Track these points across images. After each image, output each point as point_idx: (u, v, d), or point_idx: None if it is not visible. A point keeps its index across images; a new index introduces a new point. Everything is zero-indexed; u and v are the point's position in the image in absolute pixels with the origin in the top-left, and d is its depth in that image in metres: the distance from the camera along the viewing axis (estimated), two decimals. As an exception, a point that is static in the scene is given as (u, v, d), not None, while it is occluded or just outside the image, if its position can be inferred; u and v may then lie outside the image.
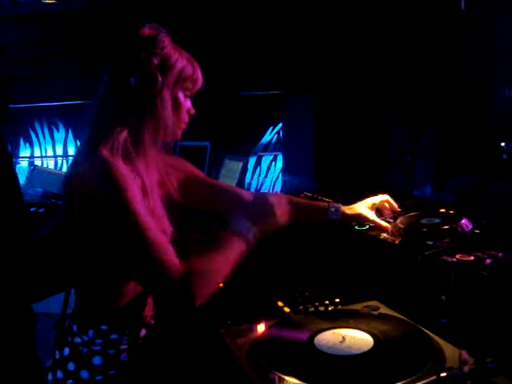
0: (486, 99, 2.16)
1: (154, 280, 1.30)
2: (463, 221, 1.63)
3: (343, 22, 2.93)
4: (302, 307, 1.58)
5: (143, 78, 1.35)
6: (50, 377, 1.43)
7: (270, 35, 3.43)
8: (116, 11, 3.86)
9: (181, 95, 1.44)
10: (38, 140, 4.58)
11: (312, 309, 1.56)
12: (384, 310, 1.55)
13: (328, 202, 1.85)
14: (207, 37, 3.56)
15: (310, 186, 2.95)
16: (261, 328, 1.46)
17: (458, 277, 1.39)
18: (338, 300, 1.58)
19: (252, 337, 1.42)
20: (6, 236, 2.37)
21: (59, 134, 4.57)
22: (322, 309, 1.56)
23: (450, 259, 1.42)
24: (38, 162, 4.48)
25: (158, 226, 1.33)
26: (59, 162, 4.66)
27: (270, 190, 3.95)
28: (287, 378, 1.17)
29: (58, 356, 1.43)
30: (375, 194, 1.90)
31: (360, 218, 1.78)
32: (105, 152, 1.30)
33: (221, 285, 1.83)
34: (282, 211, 1.51)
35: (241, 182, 3.48)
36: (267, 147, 4.02)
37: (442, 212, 1.81)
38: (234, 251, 1.40)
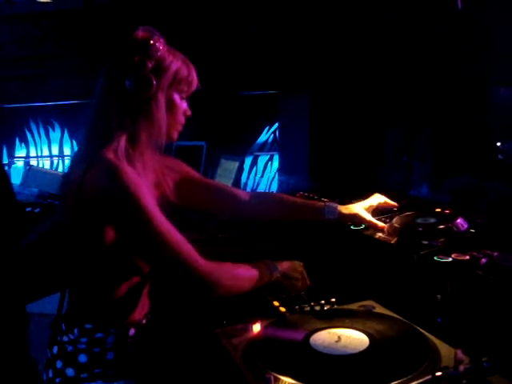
0: (482, 99, 2.17)
1: (177, 271, 1.35)
2: (459, 220, 1.63)
3: (340, 23, 2.93)
4: (297, 307, 1.58)
5: (138, 81, 1.35)
6: (44, 377, 1.44)
7: (267, 36, 3.42)
8: (112, 11, 3.85)
9: (176, 97, 1.45)
10: (34, 140, 4.56)
11: (308, 308, 1.56)
12: (379, 309, 1.55)
13: (324, 201, 1.85)
14: (203, 37, 3.56)
15: (306, 185, 2.95)
16: (256, 328, 1.46)
17: (454, 276, 1.39)
18: (333, 300, 1.58)
19: (247, 337, 1.42)
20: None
21: (55, 134, 4.55)
22: (317, 308, 1.56)
23: (445, 259, 1.42)
24: (33, 162, 4.47)
25: None
26: (55, 161, 4.64)
27: (266, 190, 3.95)
28: (283, 378, 1.17)
29: (49, 355, 1.45)
30: (371, 194, 1.90)
31: (356, 218, 1.78)
32: (110, 155, 1.31)
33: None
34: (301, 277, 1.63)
35: (237, 182, 3.48)
36: (263, 147, 4.02)
37: (438, 212, 1.81)
38: (257, 274, 1.51)
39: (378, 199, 1.86)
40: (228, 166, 3.48)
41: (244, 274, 1.49)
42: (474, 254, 1.41)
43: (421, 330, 1.35)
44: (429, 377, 1.08)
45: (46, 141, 4.57)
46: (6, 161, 4.47)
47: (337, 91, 2.96)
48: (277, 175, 3.79)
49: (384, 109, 2.78)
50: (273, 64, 3.39)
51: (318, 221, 1.79)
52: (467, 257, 1.41)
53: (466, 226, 1.63)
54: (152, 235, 1.30)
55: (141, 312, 1.50)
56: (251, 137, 4.00)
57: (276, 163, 3.86)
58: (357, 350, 1.26)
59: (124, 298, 1.42)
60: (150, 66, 1.36)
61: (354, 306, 1.57)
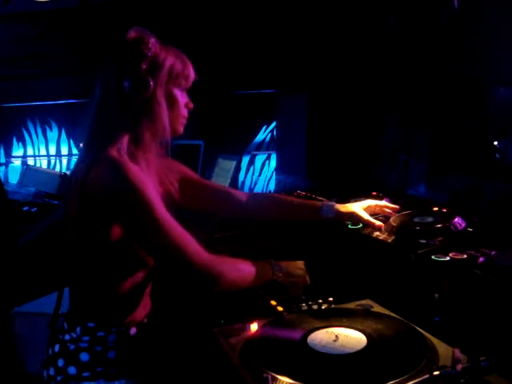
0: (479, 99, 2.17)
1: (181, 264, 1.37)
2: (456, 219, 1.63)
3: (337, 21, 2.93)
4: (295, 306, 1.58)
5: (135, 83, 1.36)
6: (44, 374, 1.44)
7: (264, 35, 3.42)
8: (109, 10, 3.84)
9: (176, 92, 1.45)
10: (31, 139, 4.56)
11: (305, 308, 1.56)
12: (377, 308, 1.55)
13: (322, 200, 1.85)
14: (201, 36, 3.55)
15: (303, 184, 2.95)
16: (254, 327, 1.46)
17: (451, 275, 1.39)
18: (331, 299, 1.58)
19: (245, 336, 1.42)
20: None
21: (52, 134, 4.55)
22: (315, 307, 1.56)
23: (443, 258, 1.42)
24: (30, 162, 4.46)
25: None
26: (52, 161, 4.64)
27: (264, 189, 3.94)
28: (280, 378, 1.17)
29: (50, 353, 1.45)
30: (369, 193, 1.89)
31: (354, 217, 1.78)
32: (113, 153, 1.33)
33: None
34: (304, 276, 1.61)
35: (234, 181, 3.48)
36: (261, 146, 4.02)
37: (435, 210, 1.81)
38: (261, 272, 1.52)
39: (376, 201, 1.86)
40: (225, 166, 3.48)
41: (248, 269, 1.49)
42: (472, 252, 1.41)
43: (418, 329, 1.35)
44: (426, 376, 1.08)
45: (44, 140, 4.57)
46: (3, 160, 4.46)
47: (334, 90, 2.95)
48: (274, 174, 3.79)
49: (381, 108, 2.78)
50: (270, 63, 3.39)
51: (315, 220, 1.79)
52: (465, 256, 1.41)
53: (463, 224, 1.63)
54: (156, 229, 1.31)
55: (143, 311, 1.50)
56: (249, 136, 3.99)
57: (273, 162, 3.86)
58: (354, 349, 1.26)
59: (127, 296, 1.43)
60: (144, 66, 1.36)
61: (352, 305, 1.57)
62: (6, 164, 4.43)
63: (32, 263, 2.79)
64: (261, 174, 4.02)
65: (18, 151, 4.53)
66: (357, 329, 1.36)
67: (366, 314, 1.50)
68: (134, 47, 1.37)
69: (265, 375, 1.15)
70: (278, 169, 3.50)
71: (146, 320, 1.51)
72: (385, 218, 1.81)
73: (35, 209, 3.37)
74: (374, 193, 2.11)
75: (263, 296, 1.72)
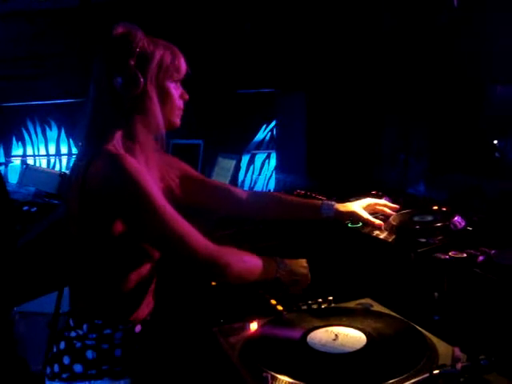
0: (478, 97, 2.16)
1: (186, 254, 1.36)
2: (456, 218, 1.63)
3: (336, 21, 2.93)
4: (294, 305, 1.58)
5: (125, 80, 1.36)
6: (48, 371, 1.43)
7: (263, 34, 3.42)
8: (108, 10, 3.84)
9: (169, 84, 1.44)
10: (31, 139, 4.55)
11: (305, 307, 1.56)
12: (377, 307, 1.55)
13: (321, 199, 1.84)
14: (200, 36, 3.55)
15: (303, 183, 2.95)
16: (254, 326, 1.46)
17: (451, 274, 1.39)
18: (331, 298, 1.57)
19: (245, 335, 1.42)
20: None
21: (52, 133, 4.54)
22: (315, 307, 1.55)
23: (442, 256, 1.42)
24: (30, 161, 4.46)
25: None
26: (52, 160, 4.63)
27: (264, 188, 3.95)
28: (280, 377, 1.17)
29: (55, 350, 1.44)
30: (369, 191, 1.89)
31: (353, 216, 1.78)
32: (110, 148, 1.33)
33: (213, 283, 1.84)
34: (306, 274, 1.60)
35: (234, 180, 3.48)
36: (261, 145, 4.02)
37: (435, 209, 1.81)
38: (265, 266, 1.50)
39: (376, 200, 1.86)
40: (225, 165, 3.48)
41: (254, 262, 1.49)
42: (472, 251, 1.41)
43: (418, 327, 1.35)
44: (426, 375, 1.08)
45: (43, 140, 4.56)
46: (2, 160, 4.46)
47: (334, 89, 2.95)
48: (274, 173, 3.79)
49: (381, 107, 2.78)
50: (270, 62, 3.39)
51: (315, 219, 1.79)
52: (464, 254, 1.40)
53: (463, 223, 1.62)
54: (158, 220, 1.31)
55: (146, 309, 1.50)
56: (248, 135, 3.99)
57: (273, 161, 3.86)
58: (354, 348, 1.26)
59: (132, 293, 1.43)
60: (132, 62, 1.36)
61: (352, 304, 1.57)
62: (6, 164, 4.42)
63: (32, 263, 2.79)
64: (260, 173, 4.02)
65: (17, 151, 4.52)
66: (356, 328, 1.36)
67: (366, 312, 1.50)
68: (122, 44, 1.37)
69: (264, 374, 1.15)
70: (278, 168, 3.50)
71: (149, 318, 1.52)
72: (384, 217, 1.81)
73: (35, 208, 3.37)
74: (374, 192, 2.11)
75: (263, 295, 1.72)
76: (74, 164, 1.45)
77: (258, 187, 3.98)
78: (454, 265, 1.39)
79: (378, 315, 1.46)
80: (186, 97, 1.50)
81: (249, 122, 3.97)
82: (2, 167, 4.38)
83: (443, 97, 2.30)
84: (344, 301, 1.59)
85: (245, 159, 4.00)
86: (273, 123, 3.86)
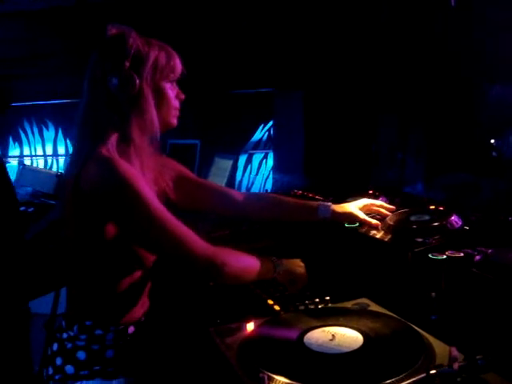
0: (476, 97, 2.16)
1: (182, 256, 1.36)
2: (453, 217, 1.63)
3: (333, 20, 2.93)
4: (291, 305, 1.57)
5: (120, 81, 1.35)
6: (44, 373, 1.44)
7: (260, 33, 3.42)
8: (105, 10, 3.83)
9: (164, 85, 1.43)
10: (28, 139, 4.54)
11: (302, 307, 1.55)
12: (374, 307, 1.54)
13: (318, 200, 1.84)
14: (197, 35, 3.55)
15: (300, 183, 2.95)
16: (250, 326, 1.45)
17: (448, 273, 1.39)
18: (327, 298, 1.57)
19: (242, 335, 1.41)
20: (2, 238, 2.39)
21: (49, 133, 4.54)
22: (311, 307, 1.55)
23: (439, 256, 1.42)
24: (27, 162, 4.45)
25: None
26: (49, 161, 4.63)
27: (261, 188, 3.94)
28: (277, 377, 1.16)
29: (49, 352, 1.45)
30: (366, 191, 1.89)
31: (350, 217, 1.78)
32: (103, 151, 1.32)
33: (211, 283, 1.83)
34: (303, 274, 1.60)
35: (231, 181, 3.48)
36: (258, 145, 4.01)
37: (432, 209, 1.81)
38: (262, 265, 1.50)
39: (372, 200, 1.85)
40: (222, 165, 3.48)
41: (251, 263, 1.49)
42: (469, 251, 1.41)
43: (415, 327, 1.35)
44: (423, 375, 1.08)
45: (40, 140, 4.56)
46: (-1, 160, 4.44)
47: (331, 89, 2.95)
48: (271, 173, 3.79)
49: (378, 106, 2.78)
50: (266, 62, 3.39)
51: (312, 220, 1.79)
52: (461, 254, 1.40)
53: (460, 223, 1.62)
54: (152, 222, 1.31)
55: (140, 310, 1.50)
56: (245, 135, 3.99)
57: (270, 161, 3.86)
58: (351, 349, 1.26)
59: (125, 295, 1.43)
60: (127, 64, 1.35)
61: (349, 304, 1.57)
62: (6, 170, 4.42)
63: (29, 263, 2.78)
64: (258, 173, 4.02)
65: (14, 151, 4.52)
66: (353, 328, 1.35)
67: (363, 312, 1.49)
68: (116, 45, 1.37)
69: (261, 375, 1.14)
70: (275, 168, 3.50)
71: (143, 319, 1.51)
72: (381, 217, 1.81)
73: (32, 209, 3.37)
74: (371, 191, 2.11)
75: (260, 295, 1.72)
76: (68, 165, 1.44)
77: (256, 187, 3.98)
78: (451, 264, 1.38)
79: (375, 315, 1.46)
80: (182, 96, 1.49)
81: (246, 122, 3.96)
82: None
83: (440, 96, 2.30)
84: (341, 301, 1.59)
85: (242, 159, 3.99)
86: (270, 123, 3.85)
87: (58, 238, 1.52)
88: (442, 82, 2.28)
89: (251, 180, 4.03)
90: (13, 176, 4.06)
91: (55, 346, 1.43)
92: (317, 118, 2.99)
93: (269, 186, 3.86)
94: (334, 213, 1.75)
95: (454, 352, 1.09)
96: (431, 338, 1.30)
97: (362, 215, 1.77)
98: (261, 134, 3.98)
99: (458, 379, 1.06)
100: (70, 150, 4.38)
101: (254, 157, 4.02)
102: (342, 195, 2.04)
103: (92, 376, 1.38)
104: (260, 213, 1.84)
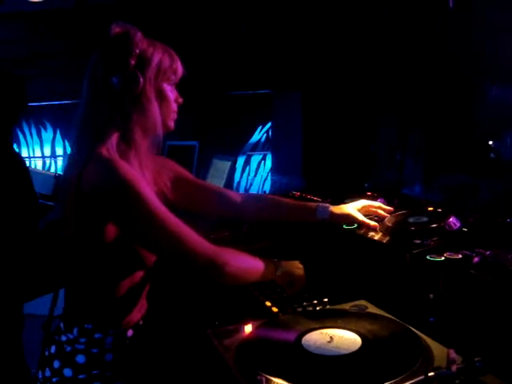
0: (475, 98, 2.16)
1: (183, 255, 1.35)
2: (451, 219, 1.63)
3: (331, 21, 2.93)
4: (289, 307, 1.57)
5: (125, 79, 1.35)
6: (40, 375, 1.42)
7: (259, 35, 3.42)
8: (104, 11, 3.83)
9: (165, 87, 1.43)
10: (26, 140, 4.54)
11: (300, 309, 1.55)
12: (372, 309, 1.54)
13: (317, 202, 1.84)
14: (195, 37, 3.55)
15: (299, 185, 2.95)
16: (248, 328, 1.45)
17: (446, 275, 1.38)
18: (326, 300, 1.57)
19: (239, 337, 1.41)
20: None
21: (47, 135, 4.53)
22: (310, 309, 1.55)
23: (438, 258, 1.42)
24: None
25: None
26: (47, 162, 4.62)
27: (259, 190, 3.94)
28: (274, 380, 1.16)
29: (46, 354, 1.43)
30: (364, 193, 1.89)
31: (349, 218, 1.77)
32: (103, 152, 1.32)
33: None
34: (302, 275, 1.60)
35: (229, 182, 3.47)
36: (256, 147, 4.02)
37: (430, 210, 1.80)
38: (262, 266, 1.49)
39: (371, 201, 1.85)
40: (220, 166, 3.48)
41: (252, 263, 1.48)
42: (467, 252, 1.41)
43: (413, 329, 1.35)
44: (421, 377, 1.07)
45: (38, 141, 4.55)
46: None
47: (329, 90, 2.95)
48: (270, 175, 3.79)
49: (376, 107, 2.78)
50: (265, 63, 3.39)
51: (310, 222, 1.78)
52: (460, 256, 1.40)
53: (458, 224, 1.62)
54: (152, 222, 1.30)
55: (139, 313, 1.49)
56: (244, 136, 3.99)
57: (269, 163, 3.86)
58: (349, 351, 1.25)
59: (124, 297, 1.42)
60: (133, 62, 1.35)
61: (347, 306, 1.56)
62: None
63: (29, 264, 2.78)
64: (256, 174, 4.02)
65: (12, 152, 4.50)
66: (351, 330, 1.35)
67: (361, 314, 1.49)
68: (121, 43, 1.36)
69: (259, 377, 1.14)
70: (274, 169, 3.50)
71: (141, 322, 1.50)
72: (379, 219, 1.80)
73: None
74: (369, 193, 2.11)
75: (258, 297, 1.71)
76: (67, 166, 1.44)
77: (254, 188, 3.98)
78: (449, 266, 1.38)
79: (373, 317, 1.46)
80: (181, 100, 1.49)
81: (244, 124, 3.97)
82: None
83: (438, 97, 2.30)
84: (339, 302, 1.59)
85: (240, 160, 3.99)
86: (268, 124, 3.86)
87: (58, 239, 1.51)
88: (441, 82, 2.28)
89: (249, 181, 4.03)
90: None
91: (53, 349, 1.41)
92: (315, 119, 2.99)
93: (267, 187, 3.86)
94: (333, 214, 1.75)
95: (453, 354, 1.09)
96: (429, 340, 1.30)
97: (360, 216, 1.76)
98: (259, 135, 3.98)
99: (457, 381, 1.05)
100: (69, 151, 4.37)
101: (253, 158, 4.03)
102: (340, 196, 2.04)
103: (90, 380, 1.37)
104: (258, 214, 1.83)
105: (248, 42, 3.46)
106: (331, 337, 1.33)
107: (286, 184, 3.18)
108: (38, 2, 3.87)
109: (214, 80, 3.64)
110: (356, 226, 1.81)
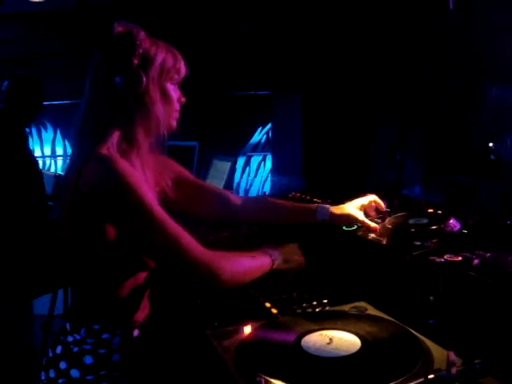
0: (475, 99, 2.16)
1: (177, 260, 1.34)
2: (451, 221, 1.62)
3: (331, 22, 2.93)
4: (289, 308, 1.57)
5: (127, 79, 1.34)
6: (43, 376, 1.41)
7: (259, 36, 3.42)
8: (104, 12, 3.83)
9: (168, 86, 1.43)
10: (26, 140, 4.53)
11: (299, 310, 1.55)
12: (371, 310, 1.54)
13: (316, 202, 1.84)
14: (195, 37, 3.55)
15: (298, 185, 2.94)
16: (247, 329, 1.45)
17: (446, 277, 1.38)
18: (325, 301, 1.57)
19: (239, 338, 1.41)
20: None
21: (47, 134, 4.54)
22: (309, 310, 1.55)
23: (438, 259, 1.42)
24: (25, 163, 4.43)
25: None
26: (47, 162, 4.62)
27: (259, 190, 3.94)
28: (274, 381, 1.15)
29: (50, 355, 1.42)
30: (364, 193, 1.88)
31: (349, 219, 1.77)
32: (104, 151, 1.31)
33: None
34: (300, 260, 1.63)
35: (229, 183, 3.47)
36: (256, 147, 4.02)
37: (430, 212, 1.80)
38: (260, 261, 1.51)
39: (368, 198, 1.84)
40: (220, 167, 3.48)
41: (247, 263, 1.47)
42: (467, 254, 1.41)
43: (413, 331, 1.34)
44: (421, 379, 1.07)
45: (39, 141, 4.56)
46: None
47: (329, 91, 2.95)
48: (269, 175, 3.79)
49: (376, 108, 2.77)
50: (265, 64, 3.39)
51: (310, 223, 1.78)
52: (460, 258, 1.40)
53: (458, 226, 1.62)
54: (149, 224, 1.29)
55: (143, 313, 1.48)
56: (244, 137, 3.99)
57: (269, 163, 3.86)
58: (348, 352, 1.25)
59: (129, 297, 1.41)
60: (136, 61, 1.34)
61: (346, 308, 1.56)
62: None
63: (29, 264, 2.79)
64: (256, 175, 4.02)
65: (12, 152, 4.50)
66: (351, 331, 1.35)
67: (361, 316, 1.49)
68: (124, 42, 1.36)
69: (258, 378, 1.14)
70: (274, 170, 3.50)
71: (146, 322, 1.50)
72: (379, 220, 1.80)
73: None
74: (369, 194, 2.10)
75: (257, 298, 1.71)
76: (68, 166, 1.44)
77: (254, 189, 3.98)
78: (449, 268, 1.38)
79: (373, 319, 1.45)
80: (184, 99, 1.49)
81: (244, 124, 3.97)
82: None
83: (439, 98, 2.30)
84: (339, 304, 1.58)
85: (240, 161, 3.99)
86: (268, 125, 3.86)
87: (57, 239, 1.51)
88: (440, 84, 2.28)
89: (249, 182, 4.03)
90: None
91: (59, 349, 1.40)
92: (315, 120, 2.99)
93: (267, 188, 3.86)
94: (333, 215, 1.74)
95: (452, 356, 1.08)
96: (429, 342, 1.29)
97: (360, 217, 1.76)
98: (259, 136, 3.98)
99: (456, 384, 1.05)
100: (69, 151, 4.38)
101: (253, 159, 4.03)
102: (340, 197, 2.04)
103: (98, 381, 1.36)
104: (257, 216, 1.83)
105: (248, 43, 3.46)
106: (331, 338, 1.32)
107: (285, 185, 3.18)
108: (39, 3, 3.87)
109: (214, 80, 3.64)
110: (356, 227, 1.80)
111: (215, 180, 3.40)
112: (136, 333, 1.44)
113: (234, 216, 1.81)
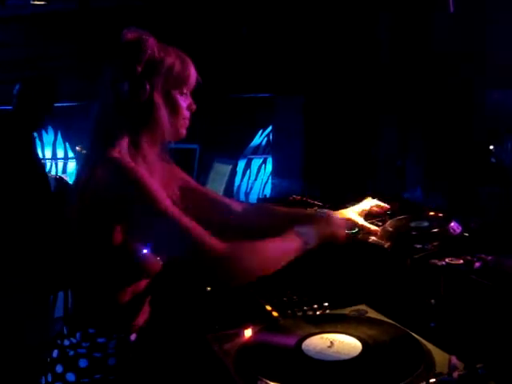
0: (474, 103, 2.16)
1: (194, 256, 1.28)
2: (452, 224, 1.62)
3: (333, 26, 2.93)
4: (290, 311, 1.56)
5: (131, 87, 1.34)
6: (43, 381, 1.41)
7: (260, 38, 3.42)
8: (107, 14, 3.84)
9: (176, 94, 1.42)
10: (27, 142, 4.53)
11: (300, 313, 1.54)
12: (372, 314, 1.53)
13: (317, 206, 1.83)
14: (197, 40, 3.55)
15: (299, 188, 2.94)
16: (248, 333, 1.44)
17: (447, 280, 1.38)
18: (326, 304, 1.56)
19: (239, 342, 1.40)
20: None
21: (48, 137, 4.53)
22: (310, 313, 1.54)
23: (439, 263, 1.41)
24: (26, 165, 4.44)
25: None
26: (48, 164, 4.62)
27: (260, 193, 3.94)
28: (274, 385, 1.15)
29: (48, 359, 1.42)
30: (365, 197, 1.88)
31: (349, 224, 1.76)
32: (115, 154, 1.32)
33: (208, 288, 1.82)
34: (339, 223, 1.58)
35: (230, 185, 3.47)
36: (257, 150, 4.01)
37: (431, 215, 1.80)
38: (287, 244, 1.43)
39: (369, 202, 1.83)
40: (221, 170, 3.48)
41: (272, 248, 1.40)
42: (468, 258, 1.40)
43: (414, 335, 1.34)
44: (423, 383, 1.06)
45: (40, 143, 4.55)
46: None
47: (331, 95, 2.96)
48: (270, 178, 3.78)
49: (378, 112, 2.77)
50: (267, 67, 3.39)
51: None
52: (461, 261, 1.40)
53: (459, 229, 1.61)
54: (163, 221, 1.27)
55: (142, 317, 1.48)
56: (245, 140, 3.99)
57: (269, 166, 3.86)
58: (349, 356, 1.24)
59: (129, 302, 1.40)
60: (139, 69, 1.34)
61: (347, 311, 1.55)
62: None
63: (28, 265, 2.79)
64: (257, 177, 4.01)
65: (13, 155, 4.50)
66: (352, 335, 1.34)
67: (361, 319, 1.48)
68: (130, 50, 1.36)
69: (259, 382, 1.14)
70: (274, 173, 3.50)
71: (144, 326, 1.49)
72: (381, 223, 1.80)
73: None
74: (369, 198, 2.10)
75: (258, 301, 1.71)
76: (79, 168, 1.44)
77: (254, 192, 3.98)
78: (451, 271, 1.38)
79: (374, 322, 1.45)
80: (194, 107, 1.47)
81: (245, 127, 3.97)
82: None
83: (440, 103, 2.30)
84: (339, 307, 1.58)
85: (241, 164, 3.99)
86: (269, 128, 3.86)
87: (58, 242, 1.50)
88: (441, 89, 2.28)
89: (250, 185, 4.03)
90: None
91: (55, 353, 1.40)
92: (316, 123, 3.00)
93: (267, 190, 3.86)
94: None
95: (454, 360, 1.08)
96: (430, 346, 1.29)
97: (360, 221, 1.75)
98: (260, 138, 3.98)
99: (458, 388, 1.05)
100: (70, 153, 4.38)
101: (253, 162, 4.03)
102: (340, 201, 2.03)
103: None
104: (259, 223, 1.81)
105: (250, 46, 3.46)
106: (331, 342, 1.32)
107: (286, 187, 3.18)
108: (40, 5, 3.88)
109: (215, 83, 3.64)
110: (357, 230, 1.80)
111: (216, 183, 3.40)
112: (133, 337, 1.43)
113: (237, 223, 1.79)
